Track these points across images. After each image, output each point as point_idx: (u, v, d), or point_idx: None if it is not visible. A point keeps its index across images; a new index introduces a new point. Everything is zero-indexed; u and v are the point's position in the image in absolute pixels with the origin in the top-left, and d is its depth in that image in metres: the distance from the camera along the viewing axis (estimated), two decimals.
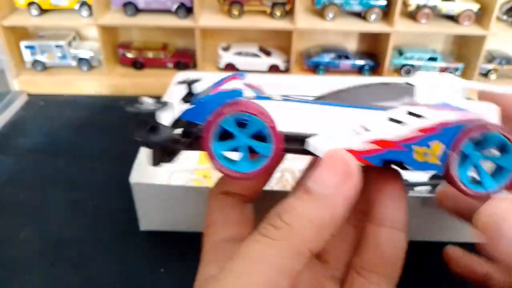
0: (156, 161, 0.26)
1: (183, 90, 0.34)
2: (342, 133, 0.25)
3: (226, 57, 0.92)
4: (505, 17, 0.91)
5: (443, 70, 0.93)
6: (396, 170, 0.27)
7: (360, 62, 0.93)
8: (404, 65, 0.92)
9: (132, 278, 0.48)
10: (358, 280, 0.28)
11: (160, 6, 0.87)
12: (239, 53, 0.92)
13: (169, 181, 0.59)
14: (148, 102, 0.25)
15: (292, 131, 0.26)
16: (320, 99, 0.28)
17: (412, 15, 0.89)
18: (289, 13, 0.89)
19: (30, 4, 0.86)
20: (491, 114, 0.25)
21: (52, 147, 0.72)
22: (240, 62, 0.92)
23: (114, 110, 0.84)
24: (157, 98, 0.25)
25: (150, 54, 0.92)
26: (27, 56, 0.90)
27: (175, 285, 0.48)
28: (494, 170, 0.25)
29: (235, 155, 0.26)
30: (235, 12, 0.87)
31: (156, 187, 0.51)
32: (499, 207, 0.22)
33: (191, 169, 0.63)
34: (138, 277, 0.49)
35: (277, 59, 0.93)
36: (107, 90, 0.90)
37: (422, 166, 0.24)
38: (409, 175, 0.28)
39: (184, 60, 0.93)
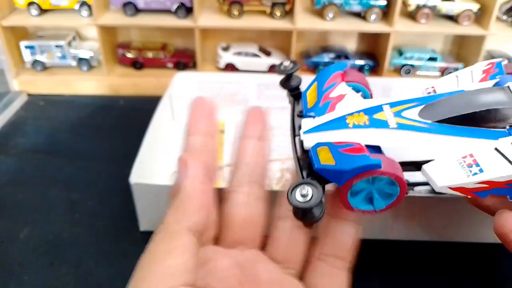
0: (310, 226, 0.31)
1: (174, 84, 0.38)
2: (454, 166, 0.29)
3: (226, 57, 0.92)
4: (505, 17, 0.91)
5: (442, 70, 0.93)
6: None
7: (360, 62, 0.93)
8: (404, 65, 0.92)
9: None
10: (319, 265, 0.32)
11: (160, 6, 0.87)
12: (239, 53, 0.92)
13: (169, 182, 0.59)
14: (308, 192, 0.27)
15: (409, 160, 0.29)
16: (429, 112, 0.30)
17: (412, 15, 0.89)
18: (289, 13, 0.89)
19: (30, 4, 0.85)
20: None
21: (52, 147, 0.72)
22: (240, 62, 0.92)
23: (114, 110, 0.84)
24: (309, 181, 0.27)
25: (149, 54, 0.92)
26: (27, 56, 0.90)
27: None
28: None
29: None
30: (235, 12, 0.87)
31: (156, 188, 0.51)
32: None
33: None
34: None
35: (277, 59, 0.93)
36: (106, 90, 0.90)
37: None
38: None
39: (184, 60, 0.93)
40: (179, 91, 0.74)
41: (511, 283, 0.49)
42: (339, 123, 0.31)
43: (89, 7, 0.85)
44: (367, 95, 0.36)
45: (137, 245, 0.52)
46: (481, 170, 0.28)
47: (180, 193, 0.28)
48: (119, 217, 0.56)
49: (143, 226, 0.54)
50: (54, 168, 0.66)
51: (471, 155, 0.28)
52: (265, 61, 0.93)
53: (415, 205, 0.49)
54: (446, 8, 0.88)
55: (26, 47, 0.89)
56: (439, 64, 0.92)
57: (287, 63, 0.37)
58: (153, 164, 0.59)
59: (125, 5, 0.86)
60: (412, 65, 0.92)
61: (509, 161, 0.27)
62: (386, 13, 0.88)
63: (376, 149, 0.29)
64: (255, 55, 0.92)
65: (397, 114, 0.31)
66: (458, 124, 0.30)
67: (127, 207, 0.53)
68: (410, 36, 0.96)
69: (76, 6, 0.86)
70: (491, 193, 0.28)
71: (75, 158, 0.68)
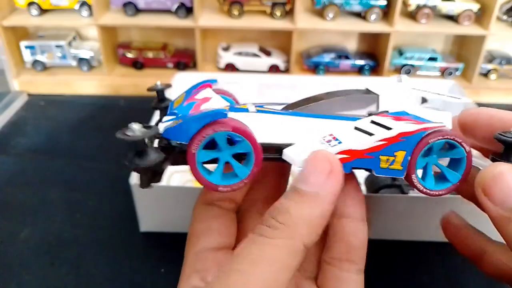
0: (145, 184, 0.28)
1: (155, 98, 0.37)
2: (314, 143, 0.27)
3: (226, 57, 0.92)
4: (505, 17, 0.91)
5: (443, 70, 0.93)
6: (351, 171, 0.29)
7: (360, 62, 0.93)
8: (404, 65, 0.92)
9: (132, 279, 0.48)
10: (330, 270, 0.31)
11: (160, 6, 0.87)
12: (239, 53, 0.92)
13: (169, 182, 0.59)
14: (135, 128, 0.27)
15: (269, 141, 0.28)
16: (290, 109, 0.30)
17: (412, 15, 0.89)
18: (289, 13, 0.89)
19: (30, 4, 0.86)
20: (445, 121, 0.28)
21: (52, 147, 0.72)
22: (240, 62, 0.92)
23: (114, 110, 0.84)
24: (145, 124, 0.27)
25: (150, 54, 0.92)
26: (27, 56, 0.90)
27: (175, 285, 0.47)
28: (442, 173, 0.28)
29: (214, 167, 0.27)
30: (235, 12, 0.87)
31: (156, 188, 0.51)
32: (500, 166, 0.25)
33: None
34: (138, 277, 0.49)
35: (277, 59, 0.93)
36: (107, 90, 0.90)
37: (387, 172, 0.27)
38: None
39: (184, 60, 0.93)
40: (179, 91, 0.74)
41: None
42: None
43: (89, 7, 0.85)
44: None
45: (137, 246, 0.53)
46: (339, 142, 0.27)
47: (318, 203, 0.25)
48: (119, 218, 0.56)
49: (143, 227, 0.54)
50: (54, 168, 0.66)
51: (331, 134, 0.28)
52: (265, 61, 0.93)
53: (416, 205, 0.49)
54: (446, 8, 0.88)
55: (26, 47, 0.89)
56: (440, 64, 0.92)
57: (159, 83, 0.37)
58: None
59: (125, 5, 0.86)
60: (412, 65, 0.92)
61: (367, 133, 0.27)
62: (386, 13, 0.88)
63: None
64: (255, 55, 0.92)
65: (259, 106, 0.31)
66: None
67: (127, 208, 0.53)
68: (410, 36, 0.96)
69: (76, 6, 0.86)
70: (354, 165, 0.27)
71: (75, 158, 0.68)
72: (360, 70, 0.93)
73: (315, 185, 0.25)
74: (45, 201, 0.59)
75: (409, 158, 0.26)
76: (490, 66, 0.93)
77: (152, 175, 0.28)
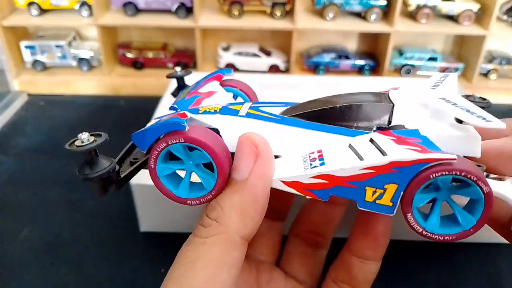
0: (99, 193, 0.27)
1: (174, 85, 0.36)
2: (297, 159, 0.24)
3: (226, 57, 0.92)
4: (505, 17, 0.91)
5: (443, 70, 0.93)
6: None
7: (360, 62, 0.93)
8: (404, 65, 0.92)
9: (132, 279, 0.48)
10: (334, 287, 0.31)
11: (160, 6, 0.87)
12: (239, 53, 0.92)
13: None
14: (84, 138, 0.27)
15: None
16: (292, 112, 0.27)
17: (412, 15, 0.89)
18: (289, 13, 0.89)
19: (30, 4, 0.86)
20: (471, 147, 0.23)
21: (52, 147, 0.72)
22: (240, 62, 0.92)
23: (114, 110, 0.84)
24: (94, 133, 0.27)
25: (150, 54, 0.92)
26: (27, 56, 0.90)
27: None
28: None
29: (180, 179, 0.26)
30: (235, 12, 0.87)
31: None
32: None
33: None
34: (138, 277, 0.49)
35: (277, 59, 0.93)
36: (107, 90, 0.90)
37: (373, 207, 0.22)
38: None
39: (184, 60, 0.93)
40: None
41: (510, 283, 0.49)
42: (191, 111, 0.27)
43: (89, 7, 0.85)
44: (246, 100, 0.33)
45: (137, 245, 0.53)
46: (322, 164, 0.23)
47: (246, 189, 0.23)
48: (119, 218, 0.56)
49: (143, 227, 0.54)
50: (54, 168, 0.66)
51: (319, 151, 0.24)
52: (265, 61, 0.93)
53: None
54: (446, 8, 0.88)
55: (26, 47, 0.89)
56: (440, 64, 0.92)
57: (178, 69, 0.35)
58: None
59: (125, 5, 0.86)
60: (412, 65, 0.92)
61: (357, 155, 0.22)
62: (386, 13, 0.88)
63: (216, 132, 0.26)
64: (255, 55, 0.92)
65: (255, 108, 0.27)
66: (316, 121, 0.25)
67: (127, 208, 0.53)
68: (411, 36, 0.96)
69: (76, 6, 0.86)
70: (333, 193, 0.23)
71: (75, 158, 0.68)
72: (360, 70, 0.93)
73: (243, 171, 0.23)
74: (45, 201, 0.59)
75: (401, 193, 0.22)
76: (490, 66, 0.93)
77: (104, 184, 0.27)
